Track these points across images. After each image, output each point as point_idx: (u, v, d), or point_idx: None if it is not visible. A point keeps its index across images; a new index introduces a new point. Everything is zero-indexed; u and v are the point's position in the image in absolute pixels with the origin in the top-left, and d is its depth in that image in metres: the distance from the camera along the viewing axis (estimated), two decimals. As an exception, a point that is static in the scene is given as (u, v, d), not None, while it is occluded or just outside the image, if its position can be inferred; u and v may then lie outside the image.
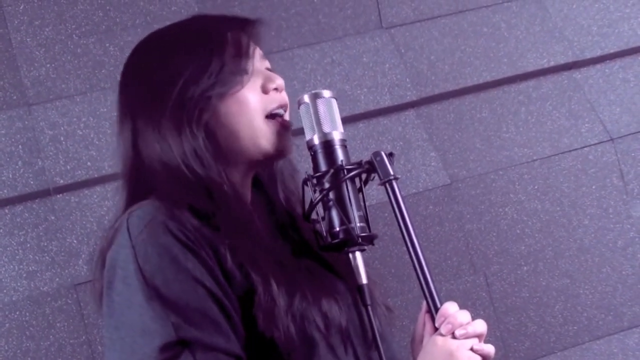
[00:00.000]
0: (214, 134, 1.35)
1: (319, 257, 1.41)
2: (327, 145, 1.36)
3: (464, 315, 1.27)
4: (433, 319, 1.29)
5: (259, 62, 1.43)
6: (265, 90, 1.39)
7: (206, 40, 1.39)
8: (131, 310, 1.21)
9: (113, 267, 1.25)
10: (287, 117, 1.43)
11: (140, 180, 1.37)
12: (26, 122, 2.27)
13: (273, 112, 1.39)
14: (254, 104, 1.37)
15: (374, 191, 1.64)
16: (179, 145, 1.33)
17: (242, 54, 1.39)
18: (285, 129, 1.40)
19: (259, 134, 1.37)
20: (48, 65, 2.32)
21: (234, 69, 1.37)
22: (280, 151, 1.39)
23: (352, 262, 1.33)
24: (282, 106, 1.40)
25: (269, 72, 1.43)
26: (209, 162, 1.33)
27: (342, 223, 1.32)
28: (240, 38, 1.40)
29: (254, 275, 1.25)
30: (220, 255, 1.24)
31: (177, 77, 1.35)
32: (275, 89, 1.40)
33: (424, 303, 1.31)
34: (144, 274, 1.20)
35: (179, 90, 1.34)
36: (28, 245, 2.20)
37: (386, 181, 1.33)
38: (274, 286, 1.24)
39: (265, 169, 1.50)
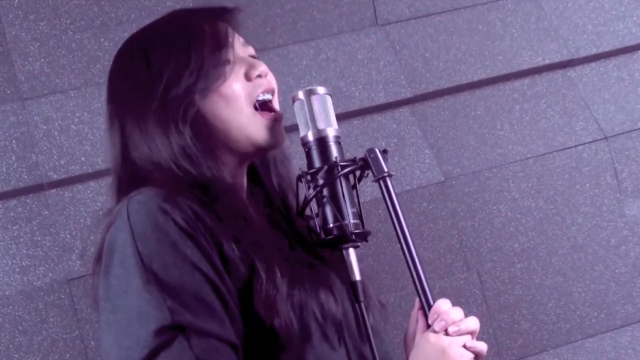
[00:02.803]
0: (201, 130, 1.35)
1: (315, 251, 1.41)
2: (322, 141, 1.35)
3: (457, 313, 1.27)
4: (426, 316, 1.29)
5: (240, 49, 1.42)
6: (248, 78, 1.39)
7: (184, 35, 1.38)
8: (128, 294, 1.20)
9: (111, 250, 1.24)
10: (276, 104, 1.42)
11: (134, 181, 1.36)
12: (20, 117, 2.26)
13: (260, 98, 1.38)
14: (239, 93, 1.36)
15: (368, 188, 1.65)
16: (167, 145, 1.33)
17: (221, 45, 1.38)
18: (276, 122, 1.39)
19: (249, 125, 1.36)
20: (42, 60, 2.32)
21: (215, 61, 1.36)
22: (272, 144, 1.39)
23: (346, 259, 1.33)
24: (268, 90, 1.39)
25: (251, 59, 1.42)
26: (198, 159, 1.33)
27: (335, 220, 1.32)
28: (218, 28, 1.39)
29: (259, 264, 1.24)
30: (221, 244, 1.24)
31: (159, 77, 1.35)
32: (259, 75, 1.39)
33: (417, 300, 1.31)
34: (142, 257, 1.20)
35: (162, 90, 1.34)
36: (21, 239, 2.20)
37: (380, 178, 1.33)
38: (278, 275, 1.25)
39: (259, 159, 1.49)
